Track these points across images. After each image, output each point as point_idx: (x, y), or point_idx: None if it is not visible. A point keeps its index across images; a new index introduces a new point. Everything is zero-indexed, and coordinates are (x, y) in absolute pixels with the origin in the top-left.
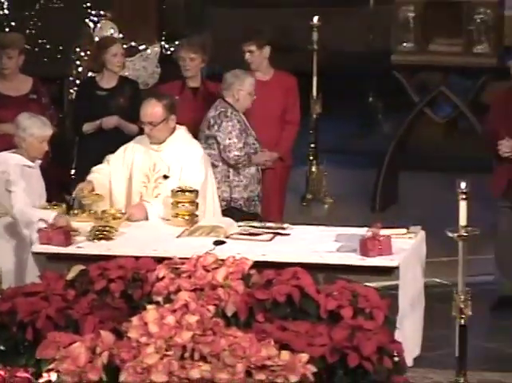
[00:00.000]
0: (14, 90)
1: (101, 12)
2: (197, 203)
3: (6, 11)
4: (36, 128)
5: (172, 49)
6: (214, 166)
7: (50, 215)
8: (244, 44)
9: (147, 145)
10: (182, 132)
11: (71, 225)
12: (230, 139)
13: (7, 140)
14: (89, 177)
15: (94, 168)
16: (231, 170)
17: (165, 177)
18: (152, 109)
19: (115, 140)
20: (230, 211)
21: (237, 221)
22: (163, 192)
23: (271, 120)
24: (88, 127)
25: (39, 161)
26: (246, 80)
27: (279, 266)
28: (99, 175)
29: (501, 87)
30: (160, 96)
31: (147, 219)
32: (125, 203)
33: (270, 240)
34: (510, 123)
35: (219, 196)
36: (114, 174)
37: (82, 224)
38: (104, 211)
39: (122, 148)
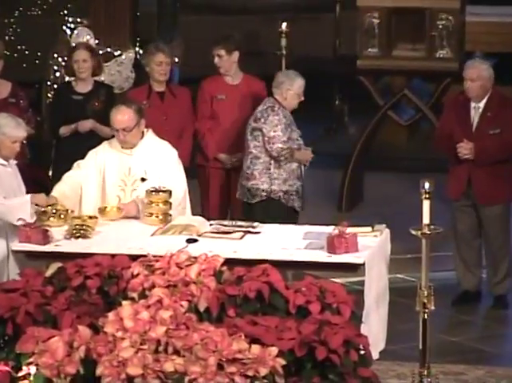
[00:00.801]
0: None
1: (78, 19)
2: (170, 203)
3: None
4: (9, 128)
5: None
6: (256, 157)
7: (26, 198)
8: (213, 48)
9: (118, 150)
10: (150, 134)
11: (47, 202)
12: (275, 131)
13: None
14: (53, 192)
15: (64, 176)
16: (273, 162)
17: (143, 180)
18: (123, 116)
19: (90, 143)
20: (269, 202)
21: (273, 215)
22: (141, 195)
23: (241, 123)
24: (64, 130)
25: (14, 161)
26: (296, 81)
27: (249, 263)
28: (66, 185)
29: (456, 90)
30: (128, 102)
31: (139, 214)
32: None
33: (241, 238)
34: (465, 125)
35: (259, 188)
36: (86, 179)
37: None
38: (102, 209)
39: (92, 153)
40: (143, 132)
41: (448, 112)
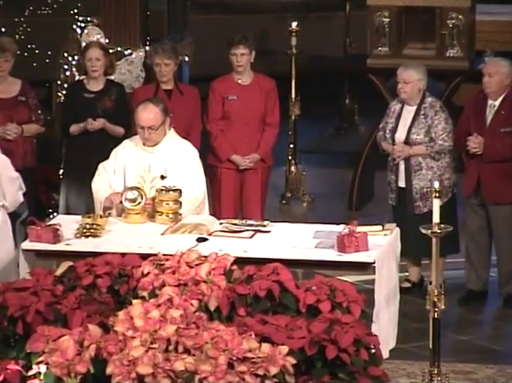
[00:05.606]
0: (3, 92)
1: (88, 18)
2: (180, 202)
3: None
4: None
5: None
6: None
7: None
8: (236, 47)
9: (140, 147)
10: (172, 133)
11: None
12: None
13: None
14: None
15: (97, 183)
16: None
17: (162, 177)
18: (150, 114)
19: (101, 142)
20: None
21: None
22: None
23: (253, 123)
24: (74, 128)
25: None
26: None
27: (260, 262)
28: (105, 185)
29: (474, 89)
30: (155, 101)
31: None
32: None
33: (251, 237)
34: (478, 120)
35: None
36: (112, 182)
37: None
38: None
39: (113, 154)
40: (165, 131)
41: (467, 110)
